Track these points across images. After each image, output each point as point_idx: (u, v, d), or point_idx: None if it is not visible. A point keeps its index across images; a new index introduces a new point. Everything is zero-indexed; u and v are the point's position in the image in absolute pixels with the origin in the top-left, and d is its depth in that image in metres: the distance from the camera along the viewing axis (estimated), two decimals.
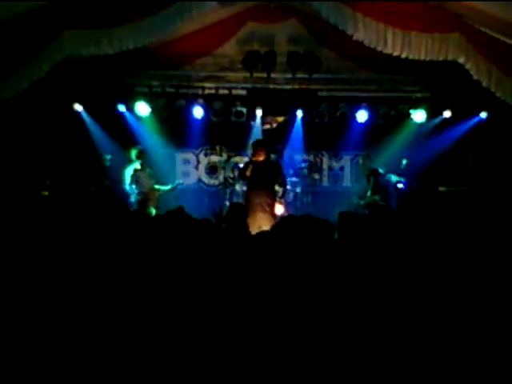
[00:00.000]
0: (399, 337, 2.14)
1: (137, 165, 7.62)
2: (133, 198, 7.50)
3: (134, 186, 7.48)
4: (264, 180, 6.54)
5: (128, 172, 7.59)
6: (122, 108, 9.19)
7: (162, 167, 9.48)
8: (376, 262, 2.75)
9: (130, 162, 7.78)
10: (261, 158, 6.57)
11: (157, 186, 7.76)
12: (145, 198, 7.41)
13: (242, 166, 7.36)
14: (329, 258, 2.68)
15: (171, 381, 2.03)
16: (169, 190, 7.91)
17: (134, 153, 7.73)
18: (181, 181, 7.99)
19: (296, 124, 9.58)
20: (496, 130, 8.75)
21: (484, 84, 6.56)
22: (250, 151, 8.42)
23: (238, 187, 9.03)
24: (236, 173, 9.80)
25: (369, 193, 7.95)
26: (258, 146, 6.72)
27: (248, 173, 6.65)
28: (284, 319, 2.16)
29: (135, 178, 7.55)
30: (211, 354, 2.06)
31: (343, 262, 2.74)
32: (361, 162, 8.75)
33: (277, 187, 6.85)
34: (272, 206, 6.52)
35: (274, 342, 2.07)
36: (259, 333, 2.12)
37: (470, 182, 8.39)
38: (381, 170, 8.33)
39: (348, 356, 2.04)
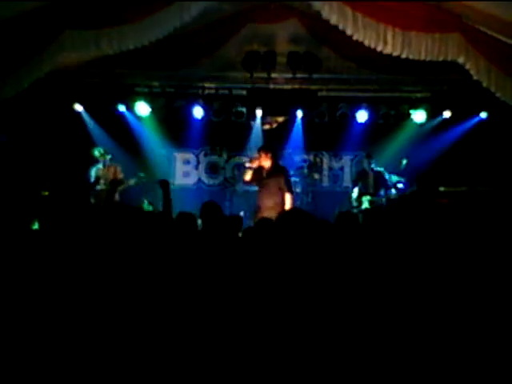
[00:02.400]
0: (395, 336, 2.14)
1: (99, 165, 7.71)
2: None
3: (97, 185, 7.60)
4: (269, 185, 6.50)
5: (93, 172, 7.68)
6: (122, 108, 9.20)
7: (162, 167, 9.51)
8: (373, 262, 2.75)
9: (95, 161, 7.83)
10: (266, 163, 6.49)
11: (126, 180, 7.80)
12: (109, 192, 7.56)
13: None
14: (324, 257, 2.68)
15: (169, 381, 2.03)
16: (136, 184, 7.92)
17: (96, 153, 7.80)
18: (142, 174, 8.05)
19: (296, 124, 9.59)
20: (496, 131, 8.75)
21: (484, 84, 6.55)
22: (249, 152, 8.49)
23: (238, 187, 9.05)
24: (236, 173, 9.87)
25: (371, 191, 8.02)
26: (259, 151, 6.67)
27: (248, 178, 6.60)
28: (277, 314, 2.16)
29: (97, 176, 7.66)
30: (207, 351, 2.06)
31: (340, 260, 2.74)
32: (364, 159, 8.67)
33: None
34: (280, 207, 6.37)
35: (269, 338, 2.08)
36: (254, 330, 2.12)
37: (470, 182, 8.38)
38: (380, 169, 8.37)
39: (343, 355, 2.04)
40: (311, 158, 9.98)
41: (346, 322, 2.17)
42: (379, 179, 8.04)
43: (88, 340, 2.14)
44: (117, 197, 7.66)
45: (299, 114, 9.43)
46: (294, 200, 6.63)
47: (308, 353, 2.04)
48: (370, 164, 8.22)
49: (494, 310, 2.29)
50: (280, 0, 7.74)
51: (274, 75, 8.82)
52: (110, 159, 7.78)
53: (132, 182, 7.70)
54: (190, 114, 9.29)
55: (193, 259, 2.84)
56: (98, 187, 7.58)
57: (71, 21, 6.11)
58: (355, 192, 8.15)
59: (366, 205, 7.91)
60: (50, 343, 2.14)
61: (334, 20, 6.10)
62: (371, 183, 8.05)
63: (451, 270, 2.66)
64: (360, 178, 8.35)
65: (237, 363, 2.04)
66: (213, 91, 9.44)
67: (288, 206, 6.40)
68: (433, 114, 9.24)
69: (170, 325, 2.20)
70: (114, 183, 7.59)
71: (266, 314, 2.18)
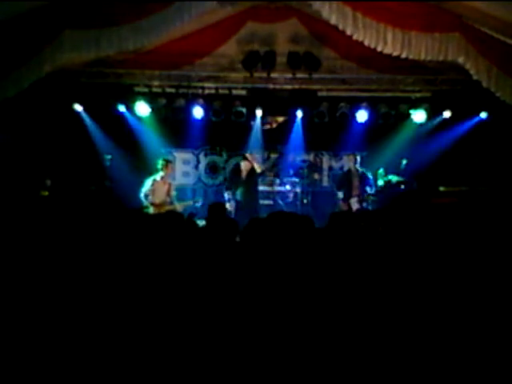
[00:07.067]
0: (394, 337, 2.14)
1: (157, 176, 7.61)
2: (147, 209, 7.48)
3: (149, 197, 7.45)
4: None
5: (147, 182, 7.55)
6: (121, 108, 9.19)
7: None
8: (372, 262, 2.75)
9: (155, 171, 7.72)
10: None
11: (175, 201, 7.73)
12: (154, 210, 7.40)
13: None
14: (315, 256, 2.68)
15: (169, 381, 2.03)
16: (185, 206, 7.91)
17: (159, 163, 7.71)
18: (200, 199, 8.28)
19: (296, 124, 9.58)
20: (496, 131, 8.75)
21: (484, 84, 6.56)
22: (249, 152, 8.56)
23: None
24: None
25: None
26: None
27: None
28: (272, 314, 2.16)
29: (152, 188, 7.52)
30: (207, 351, 2.06)
31: (339, 260, 2.74)
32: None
33: None
34: None
35: (267, 337, 2.08)
36: (252, 330, 2.12)
37: (470, 182, 8.39)
38: (381, 171, 8.43)
39: (338, 354, 2.04)
40: (311, 158, 9.99)
41: (345, 320, 2.17)
42: (364, 179, 8.07)
43: (88, 339, 2.14)
44: None
45: (299, 114, 9.43)
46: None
47: (304, 353, 2.04)
48: (355, 164, 8.23)
49: (493, 309, 2.29)
50: (280, 0, 7.75)
51: (273, 75, 8.82)
52: (168, 174, 7.69)
53: (180, 207, 7.62)
54: (190, 113, 9.28)
55: (192, 260, 2.84)
56: (148, 200, 7.38)
57: (71, 21, 6.12)
58: (340, 196, 8.16)
59: (356, 206, 7.92)
60: (50, 344, 2.14)
61: (333, 20, 6.10)
62: (356, 184, 8.06)
63: (450, 270, 2.66)
64: (345, 181, 8.29)
65: (235, 363, 2.04)
66: (213, 91, 9.43)
67: None
68: (433, 113, 9.24)
69: (169, 324, 2.20)
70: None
71: (263, 315, 2.18)
